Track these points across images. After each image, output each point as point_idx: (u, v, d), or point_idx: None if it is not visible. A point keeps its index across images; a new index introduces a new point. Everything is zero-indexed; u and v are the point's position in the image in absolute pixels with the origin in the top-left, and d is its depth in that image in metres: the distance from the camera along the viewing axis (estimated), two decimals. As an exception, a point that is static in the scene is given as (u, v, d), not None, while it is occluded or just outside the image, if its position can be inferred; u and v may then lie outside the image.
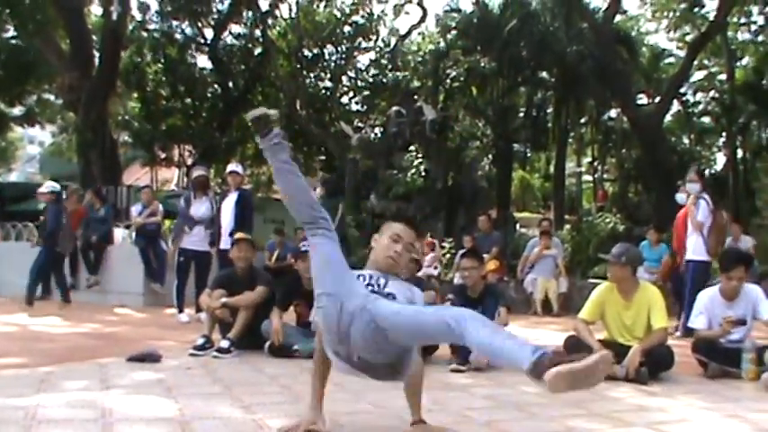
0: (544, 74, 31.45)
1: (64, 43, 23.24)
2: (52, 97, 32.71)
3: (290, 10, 30.90)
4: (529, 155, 43.24)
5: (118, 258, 13.58)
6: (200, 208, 10.69)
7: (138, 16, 28.60)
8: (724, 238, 10.01)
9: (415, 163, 17.87)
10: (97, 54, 22.82)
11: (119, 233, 14.41)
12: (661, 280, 12.04)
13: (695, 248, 9.67)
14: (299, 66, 30.59)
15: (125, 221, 16.03)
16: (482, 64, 28.50)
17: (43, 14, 21.32)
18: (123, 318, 11.39)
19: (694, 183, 10.01)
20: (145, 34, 29.49)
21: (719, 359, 6.38)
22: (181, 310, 10.74)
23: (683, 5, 33.93)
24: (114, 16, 23.05)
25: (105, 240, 13.72)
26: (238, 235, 8.17)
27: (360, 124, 29.68)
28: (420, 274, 9.95)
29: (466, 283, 7.11)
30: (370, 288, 3.93)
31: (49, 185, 12.53)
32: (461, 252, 8.63)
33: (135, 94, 30.88)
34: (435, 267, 14.61)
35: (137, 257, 13.09)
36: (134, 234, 13.71)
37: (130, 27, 26.89)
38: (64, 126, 37.08)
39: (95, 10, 26.72)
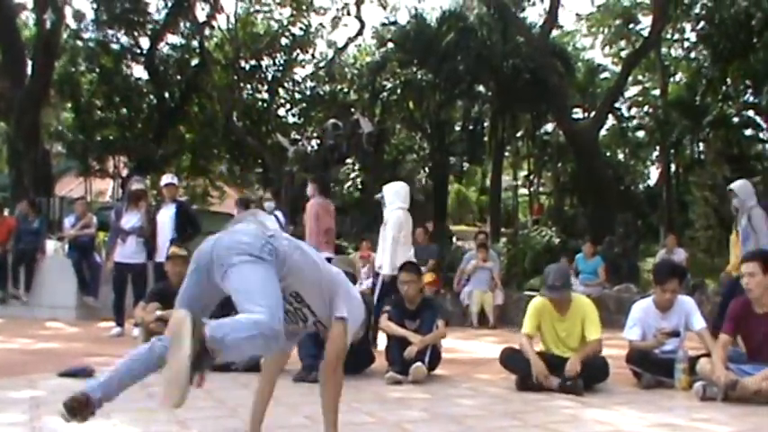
0: (481, 87, 31.68)
1: (-5, 51, 22.80)
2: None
3: (228, 21, 30.87)
4: (465, 168, 43.56)
5: (50, 271, 13.27)
6: (130, 219, 10.54)
7: (73, 25, 28.23)
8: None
9: (352, 176, 17.90)
10: (30, 62, 22.42)
11: (50, 245, 14.13)
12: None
13: None
14: (235, 77, 30.51)
15: (57, 233, 15.73)
16: (419, 77, 28.64)
17: (-27, 22, 20.90)
18: (55, 332, 11.17)
19: (269, 201, 11.25)
20: (80, 43, 29.11)
21: (653, 370, 6.46)
22: (119, 324, 10.54)
23: (618, 21, 34.59)
24: (48, 24, 22.66)
25: (38, 253, 13.42)
26: (172, 251, 8.04)
27: (296, 137, 29.58)
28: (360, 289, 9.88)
29: (404, 295, 7.11)
30: None
31: None
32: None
33: (69, 104, 30.44)
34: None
35: (69, 270, 12.85)
36: (67, 246, 13.43)
37: (65, 36, 26.48)
38: (-6, 136, 36.40)
39: (29, 18, 26.32)
